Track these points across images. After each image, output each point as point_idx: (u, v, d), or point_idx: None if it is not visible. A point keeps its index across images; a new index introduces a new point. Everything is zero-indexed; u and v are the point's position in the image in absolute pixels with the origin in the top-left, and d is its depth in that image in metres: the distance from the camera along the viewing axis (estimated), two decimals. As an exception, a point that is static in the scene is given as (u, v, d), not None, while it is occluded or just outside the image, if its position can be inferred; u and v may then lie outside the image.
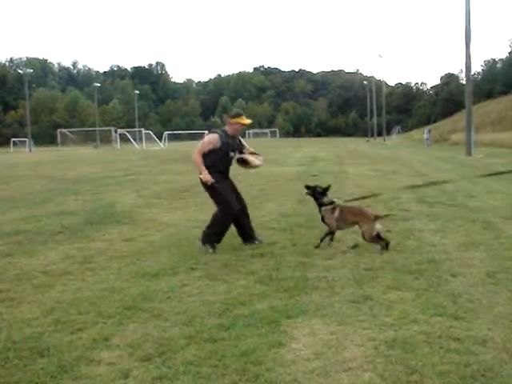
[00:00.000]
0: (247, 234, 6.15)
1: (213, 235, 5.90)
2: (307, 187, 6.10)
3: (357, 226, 5.85)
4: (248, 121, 6.14)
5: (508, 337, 3.35)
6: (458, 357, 3.08)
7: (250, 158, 6.12)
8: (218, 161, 5.89)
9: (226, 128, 6.06)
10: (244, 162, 6.15)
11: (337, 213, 5.79)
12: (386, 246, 5.65)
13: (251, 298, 4.20)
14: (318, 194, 5.95)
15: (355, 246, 5.88)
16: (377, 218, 5.71)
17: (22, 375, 2.98)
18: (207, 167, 5.82)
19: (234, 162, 6.15)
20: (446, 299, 4.08)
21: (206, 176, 5.81)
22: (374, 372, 2.92)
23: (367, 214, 5.74)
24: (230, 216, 5.92)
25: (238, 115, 6.04)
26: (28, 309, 4.09)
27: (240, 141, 6.28)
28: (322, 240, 5.84)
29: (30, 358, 3.19)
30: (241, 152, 6.14)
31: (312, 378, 2.88)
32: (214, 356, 3.15)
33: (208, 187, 5.93)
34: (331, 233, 5.87)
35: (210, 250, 5.75)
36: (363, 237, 5.69)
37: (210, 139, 5.90)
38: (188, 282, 4.70)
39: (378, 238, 5.65)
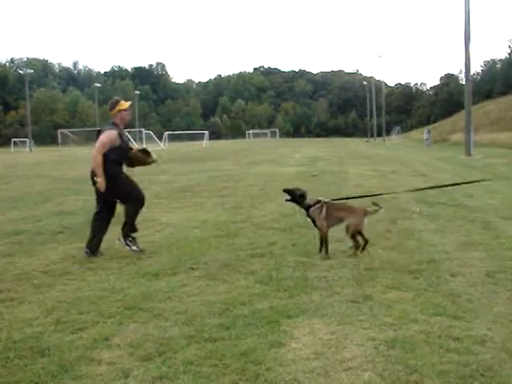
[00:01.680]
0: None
1: (131, 230, 5.87)
2: (285, 191, 5.81)
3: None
4: (127, 103, 5.91)
5: (507, 336, 3.35)
6: (458, 356, 3.08)
7: (150, 151, 6.11)
8: (120, 157, 5.77)
9: (115, 121, 5.81)
10: (146, 153, 6.09)
11: (324, 212, 5.59)
12: (364, 245, 5.55)
13: (251, 297, 4.21)
14: (296, 196, 5.70)
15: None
16: (366, 213, 5.60)
17: (22, 375, 2.99)
18: (113, 162, 5.66)
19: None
20: (446, 299, 4.09)
21: (102, 183, 5.59)
22: (374, 371, 2.93)
23: (357, 209, 5.66)
24: (141, 202, 5.90)
25: (116, 103, 5.81)
26: (28, 309, 4.10)
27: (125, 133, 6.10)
28: (320, 250, 5.64)
29: (31, 358, 3.19)
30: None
31: (312, 378, 2.89)
32: (214, 356, 3.16)
33: (112, 187, 5.68)
34: (325, 239, 5.62)
35: (135, 248, 5.83)
36: (347, 229, 5.55)
37: (110, 136, 5.64)
38: (188, 282, 4.70)
39: (360, 234, 5.56)
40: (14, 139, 67.67)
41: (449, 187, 11.55)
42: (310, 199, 5.70)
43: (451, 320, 3.65)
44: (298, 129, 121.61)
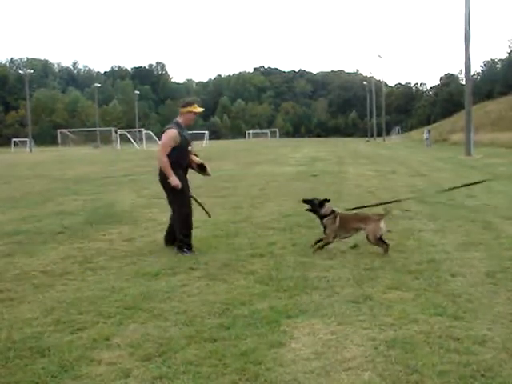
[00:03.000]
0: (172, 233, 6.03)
1: (184, 238, 5.76)
2: (305, 201, 6.01)
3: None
4: (200, 109, 5.94)
5: (507, 336, 3.35)
6: (458, 356, 3.08)
7: (207, 165, 6.09)
8: (180, 158, 5.73)
9: (179, 120, 5.81)
10: (202, 169, 6.08)
11: (337, 222, 5.71)
12: (386, 249, 5.62)
13: (251, 297, 4.20)
14: (316, 206, 5.86)
15: (355, 246, 5.88)
16: (380, 217, 5.66)
17: (22, 375, 2.99)
18: (171, 164, 5.62)
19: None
20: (446, 299, 4.09)
21: (175, 181, 5.61)
22: (374, 372, 2.93)
23: (371, 216, 5.71)
24: (188, 217, 5.81)
25: (190, 104, 5.84)
26: (28, 309, 4.10)
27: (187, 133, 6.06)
28: (314, 245, 5.79)
29: (31, 358, 3.19)
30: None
31: (312, 378, 2.89)
32: (214, 356, 3.16)
33: (169, 188, 5.72)
34: (325, 245, 5.76)
35: (190, 253, 5.67)
36: (368, 238, 5.65)
37: (171, 136, 5.65)
38: (188, 282, 4.70)
39: (381, 240, 5.61)
40: (14, 139, 67.73)
41: (459, 188, 11.56)
42: (325, 209, 5.82)
43: (451, 320, 3.65)
44: (298, 129, 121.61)
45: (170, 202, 5.89)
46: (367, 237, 5.65)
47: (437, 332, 3.44)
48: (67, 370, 3.03)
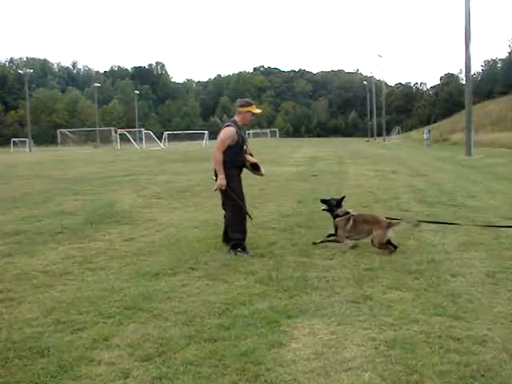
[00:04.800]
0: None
1: (238, 239, 5.70)
2: (323, 201, 6.11)
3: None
4: (259, 110, 6.00)
5: (508, 337, 3.35)
6: (458, 357, 3.08)
7: (261, 165, 6.06)
8: (236, 156, 5.72)
9: (236, 118, 5.83)
10: (256, 168, 6.04)
11: (350, 224, 5.79)
12: (394, 249, 5.64)
13: (251, 297, 4.20)
14: (333, 206, 5.98)
15: (355, 246, 5.88)
16: (390, 225, 5.69)
17: (22, 375, 2.99)
18: (226, 163, 5.61)
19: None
20: (446, 299, 4.08)
21: (222, 180, 5.58)
22: (374, 372, 2.93)
23: (381, 221, 5.73)
24: (241, 218, 5.75)
25: (249, 104, 5.88)
26: (28, 309, 4.09)
27: (245, 132, 6.10)
28: (318, 242, 5.95)
29: (30, 358, 3.19)
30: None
31: (312, 378, 2.89)
32: (214, 356, 3.16)
33: (227, 187, 5.70)
34: (336, 241, 5.90)
35: (245, 255, 5.56)
36: (372, 242, 5.69)
37: (228, 134, 5.64)
38: (188, 282, 4.70)
39: (386, 244, 5.64)
40: (13, 139, 67.65)
41: (448, 187, 11.54)
42: (340, 210, 5.94)
43: (451, 320, 3.65)
44: (298, 129, 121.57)
45: (223, 203, 5.87)
46: (372, 240, 5.70)
47: (437, 332, 3.44)
48: (67, 371, 3.03)
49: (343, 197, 6.15)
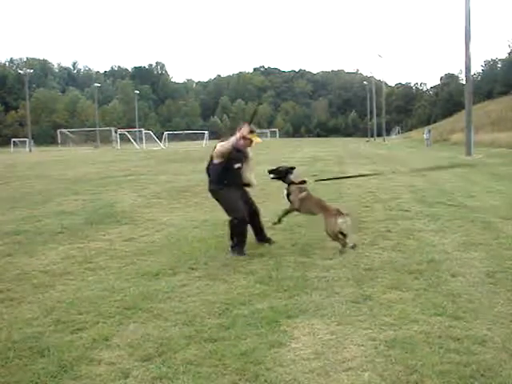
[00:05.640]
0: (259, 234, 6.15)
1: (238, 242, 5.72)
2: (270, 171, 6.09)
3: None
4: (259, 140, 6.02)
5: (507, 337, 3.35)
6: (458, 356, 3.08)
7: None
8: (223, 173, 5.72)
9: (236, 138, 5.72)
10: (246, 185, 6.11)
11: (303, 194, 5.86)
12: (343, 246, 5.63)
13: (251, 297, 4.20)
14: (283, 173, 5.99)
15: (355, 246, 5.87)
16: (339, 213, 5.65)
17: (22, 375, 2.99)
18: (213, 176, 5.76)
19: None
20: (446, 299, 4.08)
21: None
22: (374, 372, 2.93)
23: (330, 209, 5.77)
24: (242, 221, 5.73)
25: (253, 132, 5.91)
26: (28, 309, 4.10)
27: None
28: (279, 220, 6.08)
29: (31, 358, 3.19)
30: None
31: (312, 378, 2.89)
32: (214, 356, 3.16)
33: (223, 201, 5.80)
34: (287, 213, 6.00)
35: (241, 257, 5.55)
36: (326, 231, 5.72)
37: (223, 148, 5.67)
38: (188, 282, 4.70)
39: (338, 235, 5.65)
40: (13, 139, 67.69)
41: (448, 187, 11.55)
42: (295, 177, 5.97)
43: (451, 320, 3.65)
44: (298, 129, 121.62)
45: (224, 209, 5.88)
46: (325, 229, 5.73)
47: (437, 332, 3.44)
48: (67, 370, 3.03)
49: (294, 167, 6.11)
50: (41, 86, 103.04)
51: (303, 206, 5.89)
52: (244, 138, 5.76)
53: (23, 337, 3.52)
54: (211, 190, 5.90)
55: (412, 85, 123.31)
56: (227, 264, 5.28)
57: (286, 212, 6.03)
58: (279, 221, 6.15)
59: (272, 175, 6.09)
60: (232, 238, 5.82)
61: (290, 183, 5.93)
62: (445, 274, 4.80)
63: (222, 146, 5.68)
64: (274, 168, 6.12)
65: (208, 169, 5.87)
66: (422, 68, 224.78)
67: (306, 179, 6.03)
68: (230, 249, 5.76)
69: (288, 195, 5.94)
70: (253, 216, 5.97)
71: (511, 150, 27.52)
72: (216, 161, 5.71)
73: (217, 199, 5.90)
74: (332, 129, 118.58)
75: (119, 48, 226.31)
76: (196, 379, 2.90)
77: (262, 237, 6.15)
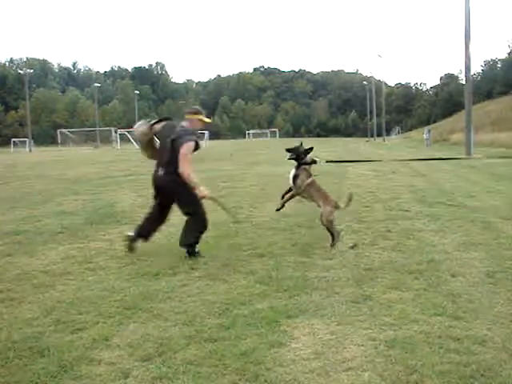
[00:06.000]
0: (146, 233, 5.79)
1: (191, 243, 5.57)
2: (288, 150, 6.00)
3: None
4: (208, 120, 5.84)
5: (507, 336, 3.35)
6: (458, 356, 3.08)
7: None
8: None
9: (186, 124, 5.57)
10: None
11: (310, 180, 5.84)
12: (332, 238, 5.77)
13: (251, 297, 4.20)
14: (301, 154, 5.93)
15: (355, 246, 5.88)
16: (337, 206, 5.83)
17: (22, 375, 2.99)
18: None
19: None
20: (446, 299, 4.08)
21: (204, 192, 5.50)
22: (374, 372, 2.93)
23: (329, 199, 5.87)
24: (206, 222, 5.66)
25: (201, 113, 5.69)
26: (28, 309, 4.09)
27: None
28: (282, 206, 6.05)
29: (31, 358, 3.19)
30: None
31: (312, 378, 2.89)
32: (214, 356, 3.16)
33: (186, 191, 5.49)
34: (293, 195, 5.95)
35: (199, 257, 5.48)
36: (321, 218, 5.79)
37: (191, 147, 5.46)
38: (188, 282, 4.70)
39: (332, 225, 5.78)
40: (13, 139, 67.72)
41: (448, 187, 11.55)
42: (309, 158, 5.95)
43: (451, 320, 3.65)
44: (298, 129, 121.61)
45: (189, 208, 5.60)
46: (320, 217, 5.79)
47: (437, 332, 3.44)
48: (67, 370, 3.03)
49: (312, 147, 6.07)
50: (41, 86, 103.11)
51: (306, 190, 5.88)
52: (201, 121, 5.69)
53: (23, 337, 3.51)
54: (177, 186, 5.44)
55: (412, 85, 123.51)
56: (227, 264, 5.28)
57: (291, 197, 5.97)
58: (282, 206, 6.11)
59: (289, 155, 5.97)
60: (191, 238, 5.54)
61: (302, 164, 5.85)
62: (445, 274, 4.80)
63: (189, 144, 5.40)
64: (293, 147, 6.01)
65: (170, 164, 5.41)
66: (421, 68, 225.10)
67: (317, 159, 5.98)
68: (184, 246, 5.54)
69: (295, 177, 5.86)
70: (161, 218, 5.79)
71: (511, 149, 27.52)
72: (185, 167, 5.39)
73: (180, 192, 5.49)
74: (332, 129, 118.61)
75: (119, 48, 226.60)
76: (196, 379, 2.90)
77: (141, 237, 5.76)
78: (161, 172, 5.55)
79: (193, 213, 5.61)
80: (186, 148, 5.40)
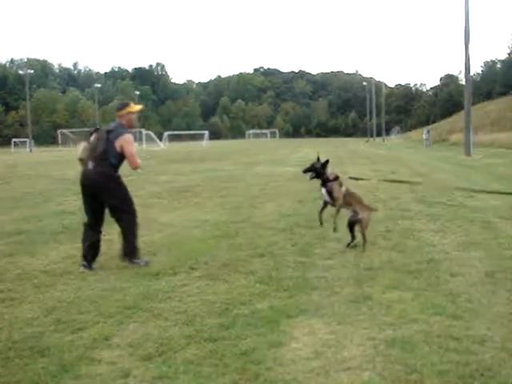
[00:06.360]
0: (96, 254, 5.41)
1: (135, 245, 5.37)
2: (306, 170, 5.69)
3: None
4: (138, 106, 5.56)
5: (507, 336, 3.36)
6: (457, 356, 3.08)
7: None
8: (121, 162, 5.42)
9: (122, 122, 5.36)
10: None
11: (344, 189, 5.60)
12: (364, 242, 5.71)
13: (251, 297, 4.21)
14: (320, 170, 5.59)
15: (355, 246, 5.89)
16: (373, 209, 5.91)
17: (22, 375, 2.99)
18: (111, 165, 5.26)
19: None
20: (445, 299, 4.09)
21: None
22: (374, 371, 2.93)
23: (365, 203, 5.83)
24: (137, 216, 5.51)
25: (127, 104, 5.46)
26: (29, 308, 4.10)
27: None
28: (335, 228, 5.68)
29: (31, 358, 3.20)
30: None
31: (312, 378, 2.89)
32: (214, 355, 3.16)
33: (117, 185, 5.40)
34: (338, 211, 5.63)
35: (142, 262, 5.29)
36: (360, 224, 5.66)
37: (133, 140, 5.35)
38: (188, 282, 4.71)
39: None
40: (14, 139, 67.71)
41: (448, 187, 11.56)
42: (329, 173, 5.64)
43: (451, 320, 3.66)
44: (298, 129, 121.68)
45: (120, 204, 5.42)
46: (360, 224, 5.65)
47: (436, 332, 3.45)
48: (67, 370, 3.03)
49: (327, 160, 5.71)
50: (41, 86, 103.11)
51: (344, 201, 5.62)
52: (131, 112, 5.41)
53: (24, 336, 3.52)
54: (107, 180, 5.26)
55: (411, 85, 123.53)
56: (227, 264, 5.28)
57: (336, 214, 5.64)
58: (335, 229, 5.74)
59: (309, 174, 5.64)
60: (129, 243, 5.29)
61: (327, 180, 5.57)
62: (444, 273, 4.81)
63: (130, 137, 5.28)
64: (309, 166, 5.65)
65: (103, 154, 5.21)
66: (421, 69, 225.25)
67: (339, 175, 5.68)
68: (130, 259, 5.27)
69: (330, 193, 5.57)
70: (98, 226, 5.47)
71: (510, 150, 27.52)
72: (136, 160, 5.35)
73: (112, 189, 5.33)
74: (332, 129, 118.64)
75: (119, 49, 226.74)
76: (196, 379, 2.90)
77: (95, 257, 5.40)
78: (90, 166, 5.25)
79: (123, 211, 5.38)
80: (129, 140, 5.24)
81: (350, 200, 5.72)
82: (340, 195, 5.57)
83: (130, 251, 5.34)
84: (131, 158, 5.33)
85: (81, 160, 5.49)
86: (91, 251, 5.33)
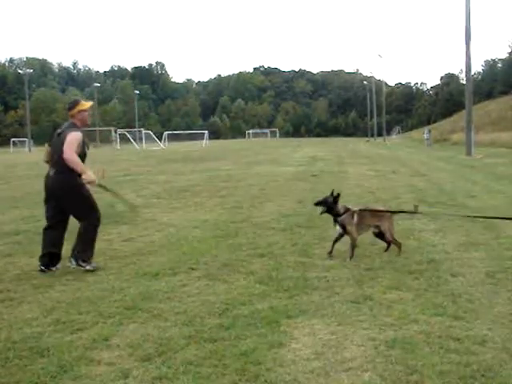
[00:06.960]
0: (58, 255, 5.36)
1: (89, 250, 5.29)
2: (317, 203, 5.57)
3: None
4: (89, 103, 5.40)
5: (507, 337, 3.35)
6: (458, 357, 3.07)
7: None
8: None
9: (74, 122, 5.23)
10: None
11: (356, 218, 5.46)
12: (399, 247, 5.56)
13: (251, 298, 4.20)
14: (331, 204, 5.48)
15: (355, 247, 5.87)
16: (389, 212, 5.73)
17: (22, 375, 2.98)
18: (71, 171, 5.09)
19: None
20: (446, 299, 4.08)
21: (91, 176, 5.17)
22: (374, 372, 2.92)
23: (386, 214, 5.64)
24: (99, 222, 5.46)
25: (77, 103, 5.30)
26: (28, 309, 4.09)
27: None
28: (351, 257, 5.38)
29: (30, 358, 3.19)
30: None
31: (312, 378, 2.88)
32: (214, 356, 3.15)
33: (75, 194, 5.29)
34: (354, 245, 5.44)
35: (91, 267, 5.16)
36: (386, 236, 5.52)
37: (78, 138, 5.08)
38: (188, 282, 4.70)
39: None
40: (13, 139, 67.75)
41: (448, 187, 11.55)
42: (340, 207, 5.50)
43: (451, 320, 3.65)
44: (298, 129, 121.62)
45: (78, 213, 5.38)
46: (385, 234, 5.52)
47: (437, 332, 3.44)
48: (67, 371, 3.02)
49: (338, 194, 5.58)
50: (40, 85, 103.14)
51: (360, 228, 5.49)
52: (83, 110, 5.26)
53: (23, 337, 3.51)
54: (65, 188, 5.23)
55: (412, 84, 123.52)
56: (227, 264, 5.27)
57: (353, 247, 5.46)
58: (351, 258, 5.43)
59: (321, 208, 5.54)
60: (80, 250, 5.21)
61: (337, 215, 5.43)
62: (445, 274, 4.80)
63: (76, 134, 5.08)
64: (321, 200, 5.54)
65: (59, 161, 5.12)
66: (422, 68, 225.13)
67: (349, 207, 5.54)
68: (81, 261, 5.18)
69: (344, 227, 5.43)
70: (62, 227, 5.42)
71: (511, 149, 27.50)
72: (69, 152, 5.00)
73: (70, 199, 5.29)
74: (332, 129, 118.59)
75: (119, 48, 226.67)
76: (196, 379, 2.89)
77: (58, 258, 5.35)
78: (51, 172, 5.28)
79: (83, 217, 5.35)
80: (70, 136, 5.03)
81: (365, 222, 5.53)
82: (353, 228, 5.44)
83: (81, 250, 5.25)
84: (65, 145, 4.99)
85: (47, 162, 5.55)
86: (53, 249, 5.30)
